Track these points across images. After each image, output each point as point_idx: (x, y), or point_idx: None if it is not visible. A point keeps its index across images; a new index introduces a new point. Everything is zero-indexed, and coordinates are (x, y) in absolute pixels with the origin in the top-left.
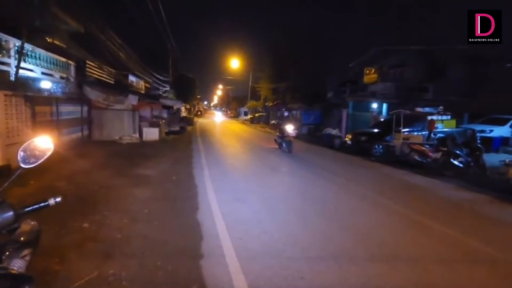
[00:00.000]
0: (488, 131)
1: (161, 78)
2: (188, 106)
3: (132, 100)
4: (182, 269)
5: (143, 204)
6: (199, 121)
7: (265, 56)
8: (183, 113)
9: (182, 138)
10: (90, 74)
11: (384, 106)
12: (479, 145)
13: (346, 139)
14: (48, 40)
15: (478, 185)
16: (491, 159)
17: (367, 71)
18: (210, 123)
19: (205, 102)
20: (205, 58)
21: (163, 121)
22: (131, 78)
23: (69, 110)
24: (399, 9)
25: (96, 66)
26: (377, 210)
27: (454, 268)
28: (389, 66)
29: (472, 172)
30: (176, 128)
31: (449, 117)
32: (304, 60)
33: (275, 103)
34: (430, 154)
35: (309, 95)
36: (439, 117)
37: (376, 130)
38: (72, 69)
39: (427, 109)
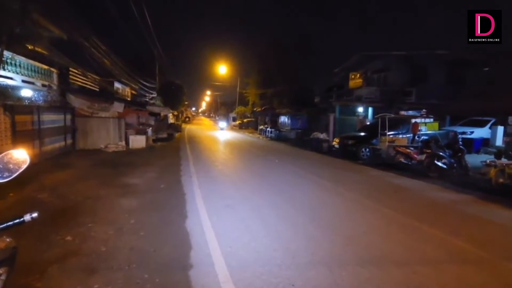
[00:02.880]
0: (469, 132)
1: (147, 84)
2: (175, 113)
3: (118, 107)
4: (170, 280)
5: (129, 214)
6: (187, 127)
7: (252, 62)
8: (171, 120)
9: (170, 145)
10: (73, 81)
11: (370, 110)
12: (461, 146)
13: (334, 143)
14: (29, 47)
15: (461, 185)
16: (473, 159)
17: (352, 76)
18: (198, 129)
19: (193, 109)
20: (193, 64)
21: (150, 128)
22: (117, 85)
23: (52, 118)
24: (382, 16)
25: (80, 73)
26: (366, 214)
27: (442, 268)
28: (373, 71)
29: (455, 173)
30: (164, 135)
31: (431, 119)
32: (291, 66)
33: (263, 108)
34: (415, 156)
35: (296, 100)
36: (423, 120)
37: (362, 134)
38: (55, 76)
39: (410, 112)
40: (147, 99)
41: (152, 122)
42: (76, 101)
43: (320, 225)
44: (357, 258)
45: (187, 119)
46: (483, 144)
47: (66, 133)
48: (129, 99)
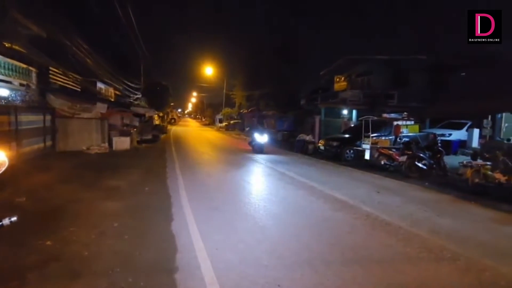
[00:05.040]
0: (447, 135)
1: (132, 85)
2: (161, 114)
3: (101, 108)
4: (156, 284)
5: (113, 217)
6: (173, 129)
7: (239, 64)
8: (156, 121)
9: (155, 147)
10: (54, 81)
11: (354, 112)
12: (440, 148)
13: (319, 144)
14: (7, 45)
15: (440, 185)
16: (451, 161)
17: (337, 79)
18: (184, 131)
19: (179, 110)
20: (179, 65)
21: (135, 129)
22: (100, 85)
23: (30, 119)
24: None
25: (60, 72)
26: (350, 214)
27: (422, 266)
28: (357, 74)
29: (434, 174)
30: (149, 136)
31: (412, 122)
32: (277, 68)
33: (249, 110)
34: (397, 157)
35: (283, 102)
36: (404, 122)
37: (347, 136)
38: (34, 75)
39: (392, 115)
40: (132, 100)
41: (137, 123)
42: (56, 101)
43: (306, 226)
44: (342, 258)
45: (172, 121)
46: (460, 146)
47: (45, 134)
48: (112, 99)
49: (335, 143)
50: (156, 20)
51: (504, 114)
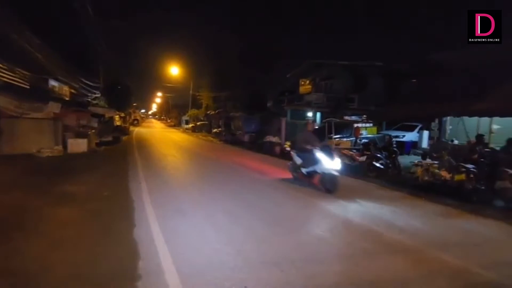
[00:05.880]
0: (401, 136)
1: (90, 83)
2: (122, 115)
3: (54, 107)
4: None
5: (67, 226)
6: (136, 130)
7: (206, 65)
8: (117, 122)
9: (116, 149)
10: None
11: (318, 114)
12: (394, 148)
13: (286, 146)
14: None
15: (395, 183)
16: (404, 160)
17: (302, 82)
18: (148, 132)
19: (143, 110)
20: (143, 64)
21: (93, 130)
22: (53, 82)
23: None
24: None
25: (4, 67)
26: (315, 213)
27: (378, 260)
28: (321, 78)
29: (390, 173)
30: (109, 138)
31: (371, 124)
32: (245, 70)
33: (216, 111)
34: (357, 158)
35: (250, 104)
36: (363, 125)
37: None
38: None
39: (353, 117)
40: (90, 100)
41: (95, 124)
42: (0, 100)
43: (272, 226)
44: (306, 256)
45: (135, 122)
46: (413, 147)
47: None
48: (67, 98)
49: None
50: (119, 17)
51: (448, 117)
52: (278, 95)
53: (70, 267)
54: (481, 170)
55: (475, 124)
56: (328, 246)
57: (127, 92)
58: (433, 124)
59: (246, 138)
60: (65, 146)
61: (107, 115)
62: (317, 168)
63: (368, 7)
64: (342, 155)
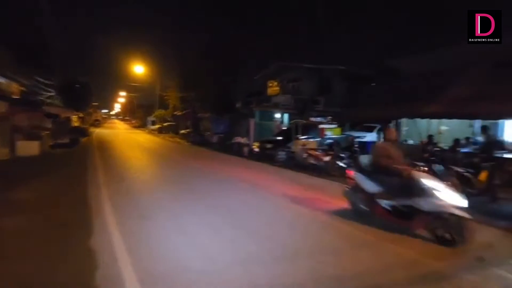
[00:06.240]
0: (362, 137)
1: (43, 81)
2: (81, 115)
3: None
4: None
5: (15, 237)
6: (97, 131)
7: (173, 65)
8: (75, 123)
9: (74, 152)
10: None
11: (286, 116)
12: (356, 148)
13: (254, 147)
14: None
15: None
16: (365, 160)
17: (270, 84)
18: (111, 133)
19: (105, 111)
20: (106, 62)
21: (47, 132)
22: None
23: None
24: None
25: None
26: (281, 212)
27: (342, 255)
28: (288, 80)
29: None
30: (65, 140)
31: (335, 125)
32: (213, 70)
33: (184, 112)
34: (322, 158)
35: (218, 105)
36: (328, 126)
37: (279, 138)
38: None
39: (319, 119)
40: (43, 98)
41: (49, 125)
42: None
43: (239, 227)
44: (272, 255)
45: (96, 123)
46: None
47: None
48: (16, 97)
49: (268, 145)
50: (79, 12)
51: (403, 119)
52: (247, 96)
53: (17, 280)
54: (431, 168)
55: (426, 126)
56: (294, 245)
57: (86, 91)
58: (390, 125)
59: (214, 139)
60: (13, 149)
61: (63, 115)
62: (425, 203)
63: (332, 13)
64: (308, 156)
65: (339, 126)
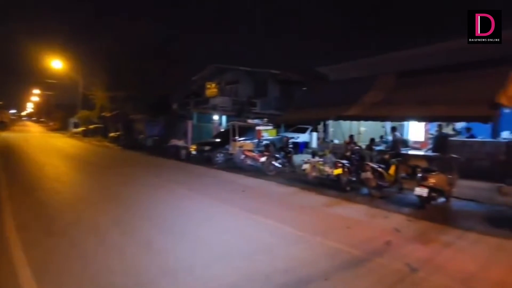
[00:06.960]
0: (296, 137)
1: None
2: None
3: None
4: None
5: None
6: (3, 135)
7: (99, 61)
8: None
9: None
10: None
11: (224, 118)
12: (290, 149)
13: (191, 149)
14: None
15: (290, 180)
16: (298, 159)
17: (208, 86)
18: (21, 138)
19: (13, 111)
20: (14, 55)
21: None
22: None
23: None
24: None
25: None
26: (216, 215)
27: (275, 252)
28: (226, 82)
29: (287, 171)
30: None
31: (271, 127)
32: (147, 69)
33: (113, 113)
34: (259, 158)
35: (153, 106)
36: (265, 127)
37: (217, 140)
38: None
39: (256, 121)
40: None
41: None
42: None
43: (172, 234)
44: (206, 259)
45: (2, 125)
46: (306, 147)
47: None
48: None
49: (206, 148)
50: None
51: (330, 121)
52: (184, 98)
53: None
54: (352, 165)
55: (349, 127)
56: (226, 246)
57: None
58: (319, 126)
59: (149, 142)
60: None
61: None
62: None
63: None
64: (246, 157)
65: (274, 128)
